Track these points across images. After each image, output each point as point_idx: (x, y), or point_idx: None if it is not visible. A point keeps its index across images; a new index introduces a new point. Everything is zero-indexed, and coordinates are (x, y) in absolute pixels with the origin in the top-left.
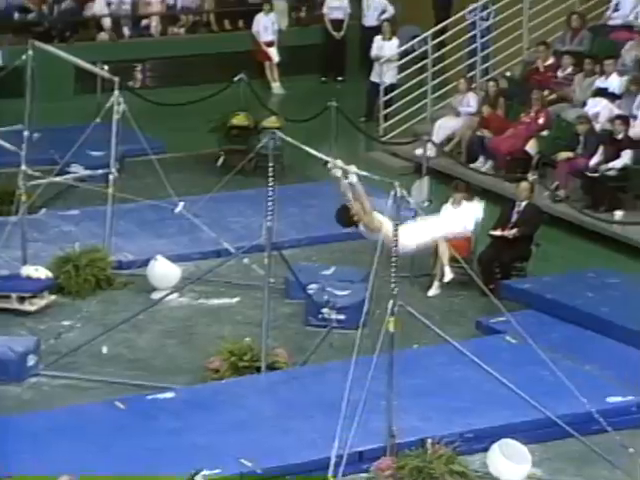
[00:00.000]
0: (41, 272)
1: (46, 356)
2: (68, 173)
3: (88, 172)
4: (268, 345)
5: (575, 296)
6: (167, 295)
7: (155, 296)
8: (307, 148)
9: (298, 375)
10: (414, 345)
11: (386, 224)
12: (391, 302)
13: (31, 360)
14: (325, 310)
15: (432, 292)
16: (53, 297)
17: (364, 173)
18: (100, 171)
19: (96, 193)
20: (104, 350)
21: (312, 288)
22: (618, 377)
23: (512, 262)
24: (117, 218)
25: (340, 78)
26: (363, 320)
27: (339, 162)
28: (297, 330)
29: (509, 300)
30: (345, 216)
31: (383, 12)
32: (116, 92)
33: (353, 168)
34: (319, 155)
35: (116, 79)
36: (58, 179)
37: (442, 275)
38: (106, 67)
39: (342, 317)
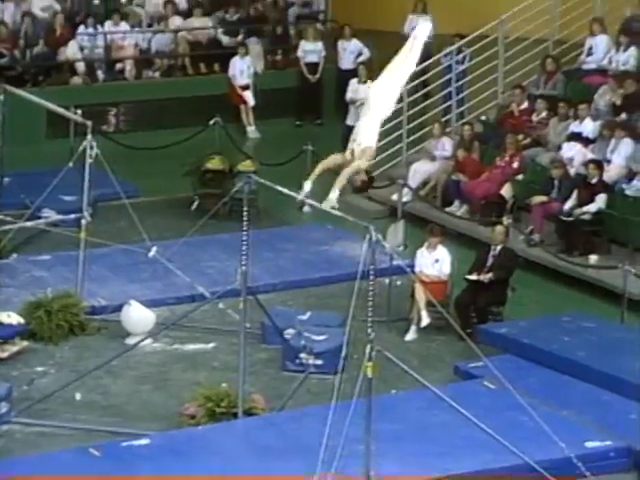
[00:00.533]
0: (13, 318)
1: (18, 403)
2: (40, 218)
3: (60, 217)
4: (245, 391)
5: (551, 340)
6: (141, 340)
7: (129, 341)
8: (282, 189)
9: (275, 421)
10: (392, 390)
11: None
12: (368, 347)
13: (3, 407)
14: (302, 355)
15: (409, 337)
16: (25, 343)
17: (338, 213)
18: (72, 216)
19: (68, 238)
20: (78, 396)
21: (289, 333)
22: (596, 422)
23: (488, 306)
24: (90, 263)
25: (318, 121)
26: (341, 365)
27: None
28: (274, 375)
29: (486, 344)
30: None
31: (359, 55)
32: (89, 136)
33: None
34: (293, 194)
35: (89, 123)
36: (29, 224)
37: (419, 320)
38: (79, 111)
39: (319, 362)
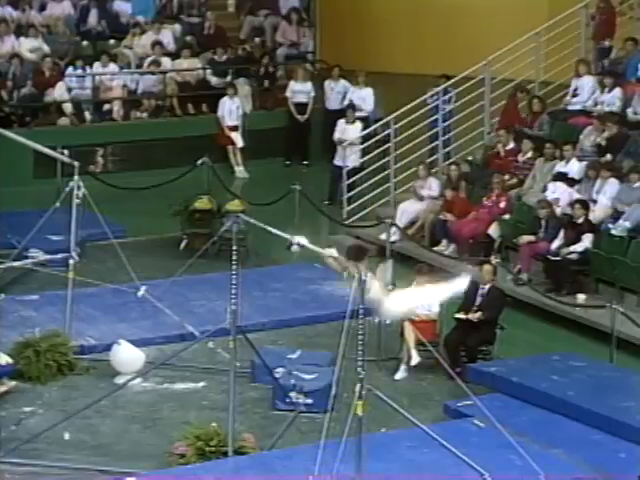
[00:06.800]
0: (1, 358)
1: (6, 443)
2: (27, 257)
3: (48, 256)
4: (235, 430)
5: (541, 379)
6: (131, 380)
7: (118, 381)
8: (271, 229)
9: (265, 459)
10: (382, 429)
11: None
12: (358, 386)
13: None
14: (292, 394)
15: (399, 375)
16: (13, 383)
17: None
18: (60, 255)
19: (56, 278)
20: (66, 436)
21: (279, 372)
22: (586, 460)
23: (477, 345)
24: (78, 302)
25: (305, 162)
26: (331, 404)
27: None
28: (264, 414)
29: (475, 383)
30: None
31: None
32: (76, 177)
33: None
34: (284, 235)
35: (75, 164)
36: (17, 264)
37: (409, 358)
38: (66, 151)
39: (309, 401)
